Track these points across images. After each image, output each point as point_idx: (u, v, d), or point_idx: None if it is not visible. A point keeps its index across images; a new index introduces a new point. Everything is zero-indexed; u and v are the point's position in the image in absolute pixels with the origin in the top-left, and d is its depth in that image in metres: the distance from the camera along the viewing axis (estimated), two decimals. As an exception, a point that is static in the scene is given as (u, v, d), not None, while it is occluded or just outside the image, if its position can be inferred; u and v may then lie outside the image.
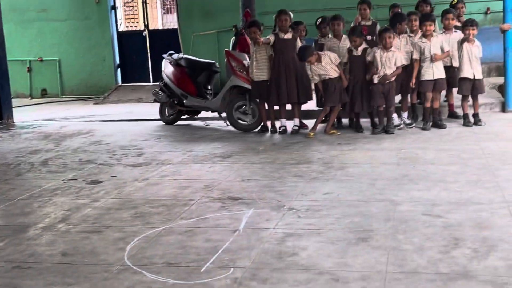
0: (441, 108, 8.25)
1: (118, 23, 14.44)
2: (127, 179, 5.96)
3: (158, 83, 10.14)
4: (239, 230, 4.26)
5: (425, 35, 7.71)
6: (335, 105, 7.74)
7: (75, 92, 14.39)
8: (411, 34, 8.02)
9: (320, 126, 7.91)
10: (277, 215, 4.55)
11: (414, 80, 7.77)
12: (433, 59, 7.61)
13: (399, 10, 8.62)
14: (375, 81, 7.57)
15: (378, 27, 8.20)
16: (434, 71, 7.68)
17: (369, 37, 8.05)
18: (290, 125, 8.15)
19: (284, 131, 8.11)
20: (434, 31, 7.80)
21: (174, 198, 5.17)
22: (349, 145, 7.04)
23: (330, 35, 8.22)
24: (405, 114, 8.11)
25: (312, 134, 7.68)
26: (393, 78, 7.63)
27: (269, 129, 8.30)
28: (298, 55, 7.80)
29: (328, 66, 7.64)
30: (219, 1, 12.90)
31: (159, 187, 5.57)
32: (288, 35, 8.00)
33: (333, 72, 7.66)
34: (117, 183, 5.80)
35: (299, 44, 7.97)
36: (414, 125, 7.97)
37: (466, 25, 7.79)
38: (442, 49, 7.73)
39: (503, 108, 8.69)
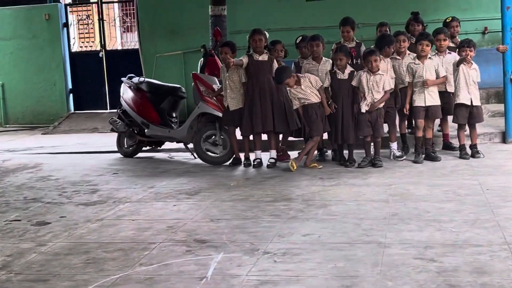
0: (434, 138, 8.37)
1: (71, 43, 14.47)
2: (78, 219, 5.90)
3: (116, 110, 10.14)
4: (207, 278, 4.23)
5: (419, 56, 7.83)
6: (322, 134, 7.81)
7: (20, 120, 14.32)
8: (398, 57, 8.14)
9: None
10: (250, 260, 4.54)
11: (407, 106, 7.88)
12: (424, 84, 7.73)
13: (387, 30, 8.79)
14: (363, 109, 7.66)
15: (363, 48, 8.33)
16: (427, 97, 7.79)
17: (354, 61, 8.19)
18: (266, 157, 8.18)
19: (258, 164, 8.14)
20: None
21: (132, 242, 5.12)
22: (332, 180, 7.08)
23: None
24: (394, 145, 8.20)
25: (294, 165, 7.69)
26: (382, 105, 7.73)
27: (242, 162, 8.31)
28: (274, 77, 7.89)
29: (308, 90, 7.72)
30: (186, 18, 13.02)
31: (115, 229, 5.52)
32: (263, 57, 8.08)
33: (314, 97, 7.74)
34: (67, 225, 5.74)
35: (275, 66, 8.05)
36: (404, 157, 8.06)
37: (463, 46, 7.94)
38: (437, 74, 7.85)
39: (504, 139, 8.84)
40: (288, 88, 7.88)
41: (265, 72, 8.05)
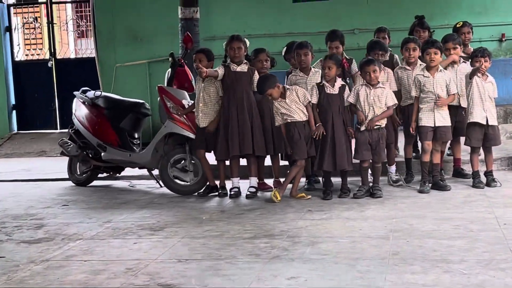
0: (444, 163, 8.43)
1: (15, 50, 14.45)
2: (20, 260, 5.85)
3: (67, 130, 10.11)
4: (172, 329, 4.21)
5: (428, 67, 7.89)
6: (305, 158, 7.83)
7: (-47, 142, 14.23)
8: (407, 67, 8.24)
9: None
10: (224, 308, 4.52)
11: (414, 125, 7.94)
12: (436, 102, 7.78)
13: (386, 37, 8.88)
14: (362, 128, 7.71)
15: (354, 66, 8.33)
16: (436, 116, 7.84)
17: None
18: (246, 186, 8.19)
19: (236, 194, 8.14)
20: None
21: (84, 286, 5.08)
22: (322, 213, 7.09)
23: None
24: (392, 168, 8.29)
25: (278, 195, 7.71)
26: (384, 124, 7.77)
27: (218, 192, 8.31)
28: (257, 86, 7.91)
29: (293, 105, 7.74)
30: (151, 22, 13.08)
31: (64, 272, 5.47)
32: (243, 68, 8.11)
33: (299, 114, 7.75)
34: (5, 266, 5.68)
35: (257, 79, 8.09)
36: (401, 182, 8.18)
37: (476, 56, 7.98)
38: (447, 89, 7.90)
39: (524, 165, 8.92)
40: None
41: (244, 85, 8.08)
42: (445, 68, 8.05)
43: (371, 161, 7.87)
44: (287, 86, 7.89)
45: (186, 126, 8.40)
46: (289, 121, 7.78)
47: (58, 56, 14.38)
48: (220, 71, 8.07)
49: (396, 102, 7.91)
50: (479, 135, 8.01)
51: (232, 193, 8.17)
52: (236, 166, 8.28)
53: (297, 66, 8.21)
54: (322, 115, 7.79)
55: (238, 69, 8.10)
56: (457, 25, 8.96)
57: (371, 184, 7.85)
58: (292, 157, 7.90)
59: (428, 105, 7.85)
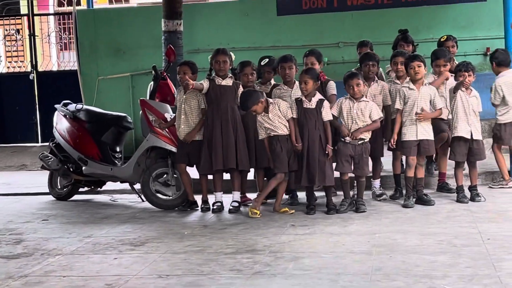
0: (427, 178, 8.47)
1: (-3, 63, 14.42)
2: (-3, 276, 5.81)
3: (48, 144, 10.07)
4: None
5: (413, 81, 7.91)
6: (286, 171, 7.83)
7: None
8: (397, 81, 8.29)
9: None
10: (205, 325, 4.50)
11: (395, 137, 7.94)
12: (417, 114, 7.81)
13: (369, 50, 8.91)
14: (347, 139, 7.73)
15: (331, 85, 8.28)
16: (419, 130, 7.86)
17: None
18: (228, 200, 8.18)
19: (218, 209, 8.13)
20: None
21: (63, 303, 5.07)
22: (305, 228, 7.09)
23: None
24: (376, 183, 8.34)
25: (256, 211, 7.71)
26: (368, 137, 7.79)
27: (200, 206, 8.30)
28: (240, 102, 7.91)
29: (276, 119, 7.74)
30: (134, 34, 13.08)
31: (43, 287, 5.44)
32: (227, 81, 8.10)
33: (282, 129, 7.76)
34: (-17, 282, 5.66)
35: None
36: (385, 196, 8.25)
37: (460, 70, 8.04)
38: (433, 103, 7.92)
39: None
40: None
41: (229, 100, 8.09)
42: (438, 87, 8.09)
43: (352, 174, 7.88)
44: (270, 100, 7.87)
45: (168, 140, 8.38)
46: (272, 135, 7.78)
47: (41, 69, 14.34)
48: (205, 84, 8.06)
49: (382, 116, 7.92)
50: (463, 149, 8.05)
51: (215, 207, 8.16)
52: (219, 180, 8.27)
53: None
54: (300, 130, 7.77)
55: (223, 83, 8.10)
56: (441, 39, 9.01)
57: (355, 196, 7.87)
58: (273, 170, 7.90)
59: (410, 118, 7.86)
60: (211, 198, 8.30)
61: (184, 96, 8.19)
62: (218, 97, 8.09)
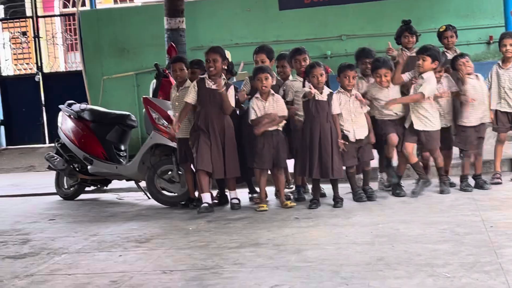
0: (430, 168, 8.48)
1: (2, 65, 14.46)
2: (3, 276, 5.83)
3: (53, 144, 10.12)
4: None
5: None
6: (262, 168, 7.84)
7: None
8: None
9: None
10: (207, 318, 4.53)
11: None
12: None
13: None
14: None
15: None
16: (413, 119, 7.89)
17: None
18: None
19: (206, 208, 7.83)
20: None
21: (67, 300, 5.10)
22: (309, 220, 7.11)
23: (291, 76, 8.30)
24: (383, 174, 8.33)
25: (264, 206, 7.79)
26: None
27: (193, 204, 8.23)
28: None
29: (270, 111, 7.74)
30: (138, 34, 13.12)
31: (48, 286, 5.47)
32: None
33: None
34: (-11, 282, 5.70)
35: (231, 95, 7.84)
36: (395, 180, 8.19)
37: (456, 59, 8.09)
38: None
39: (512, 167, 8.97)
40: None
41: (216, 104, 7.81)
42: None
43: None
44: (272, 92, 7.84)
45: (172, 137, 8.39)
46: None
47: (49, 70, 14.40)
48: (193, 89, 7.82)
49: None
50: (472, 139, 8.06)
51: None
52: (205, 180, 7.88)
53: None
54: (310, 123, 7.73)
55: (214, 86, 7.77)
56: (440, 29, 8.97)
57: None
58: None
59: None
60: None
61: (178, 94, 8.13)
62: (205, 101, 7.80)
